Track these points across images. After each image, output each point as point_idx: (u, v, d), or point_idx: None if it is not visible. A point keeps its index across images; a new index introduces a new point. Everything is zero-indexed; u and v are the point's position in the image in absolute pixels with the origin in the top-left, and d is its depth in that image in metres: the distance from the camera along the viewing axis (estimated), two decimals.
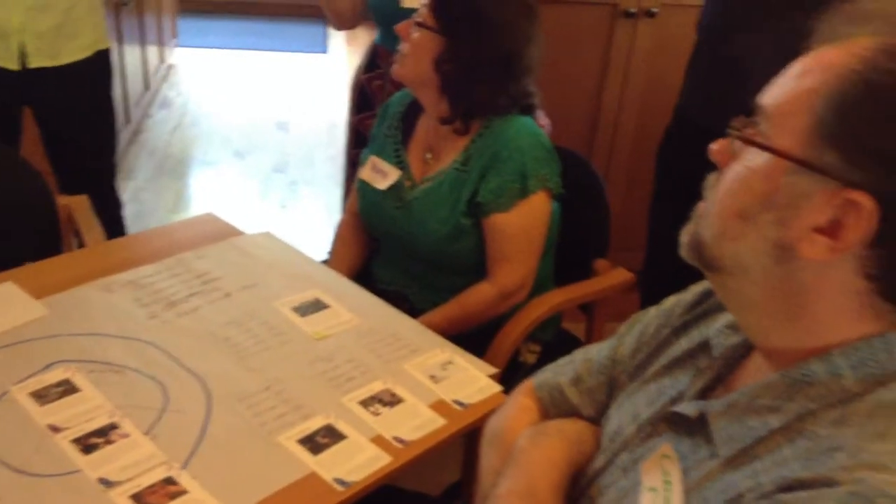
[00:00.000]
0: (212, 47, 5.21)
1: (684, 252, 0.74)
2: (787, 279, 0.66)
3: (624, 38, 2.59)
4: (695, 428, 0.73)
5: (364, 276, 1.77)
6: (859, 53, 0.63)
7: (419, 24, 1.56)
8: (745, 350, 0.78)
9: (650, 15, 2.54)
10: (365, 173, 1.72)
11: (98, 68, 2.24)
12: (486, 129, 1.58)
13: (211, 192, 3.57)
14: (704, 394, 0.78)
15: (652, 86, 2.63)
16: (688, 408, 0.75)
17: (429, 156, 1.67)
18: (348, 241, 1.82)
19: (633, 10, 2.53)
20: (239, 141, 4.02)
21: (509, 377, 1.34)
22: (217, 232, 1.68)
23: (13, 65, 2.07)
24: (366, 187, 1.71)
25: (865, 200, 0.61)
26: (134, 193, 3.39)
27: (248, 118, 4.29)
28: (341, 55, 5.21)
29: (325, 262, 1.87)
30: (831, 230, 0.63)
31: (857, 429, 0.62)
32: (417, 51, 1.56)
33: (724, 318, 0.81)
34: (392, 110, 1.74)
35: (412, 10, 2.07)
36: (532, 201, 1.55)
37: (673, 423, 0.76)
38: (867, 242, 0.62)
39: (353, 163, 2.36)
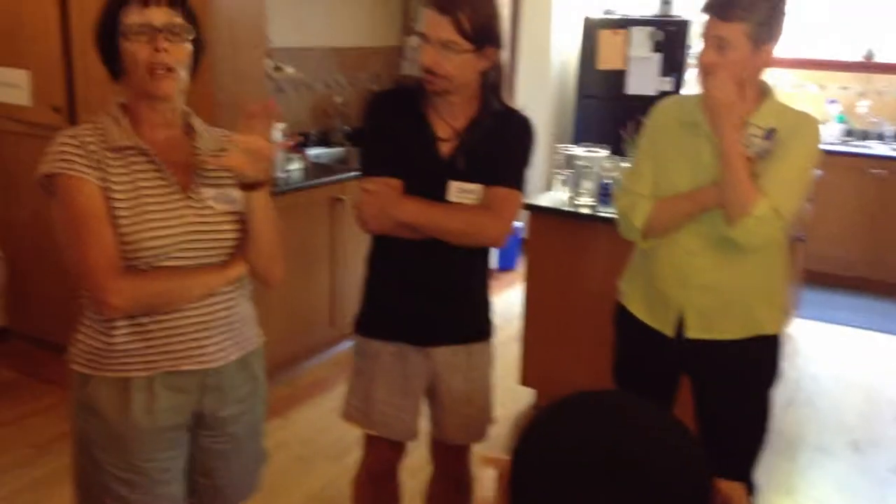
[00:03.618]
0: (832, 322, 5.06)
1: None
2: None
3: None
4: None
5: None
6: None
7: None
8: None
9: None
10: None
11: (758, 348, 2.17)
12: None
13: (821, 482, 3.33)
14: None
15: None
16: None
17: None
18: None
19: None
20: (856, 430, 3.72)
21: None
22: None
23: (669, 331, 2.18)
24: None
25: None
26: None
27: (867, 406, 3.96)
28: None
29: None
30: None
31: None
32: None
33: None
34: None
35: None
36: None
37: None
38: None
39: None
